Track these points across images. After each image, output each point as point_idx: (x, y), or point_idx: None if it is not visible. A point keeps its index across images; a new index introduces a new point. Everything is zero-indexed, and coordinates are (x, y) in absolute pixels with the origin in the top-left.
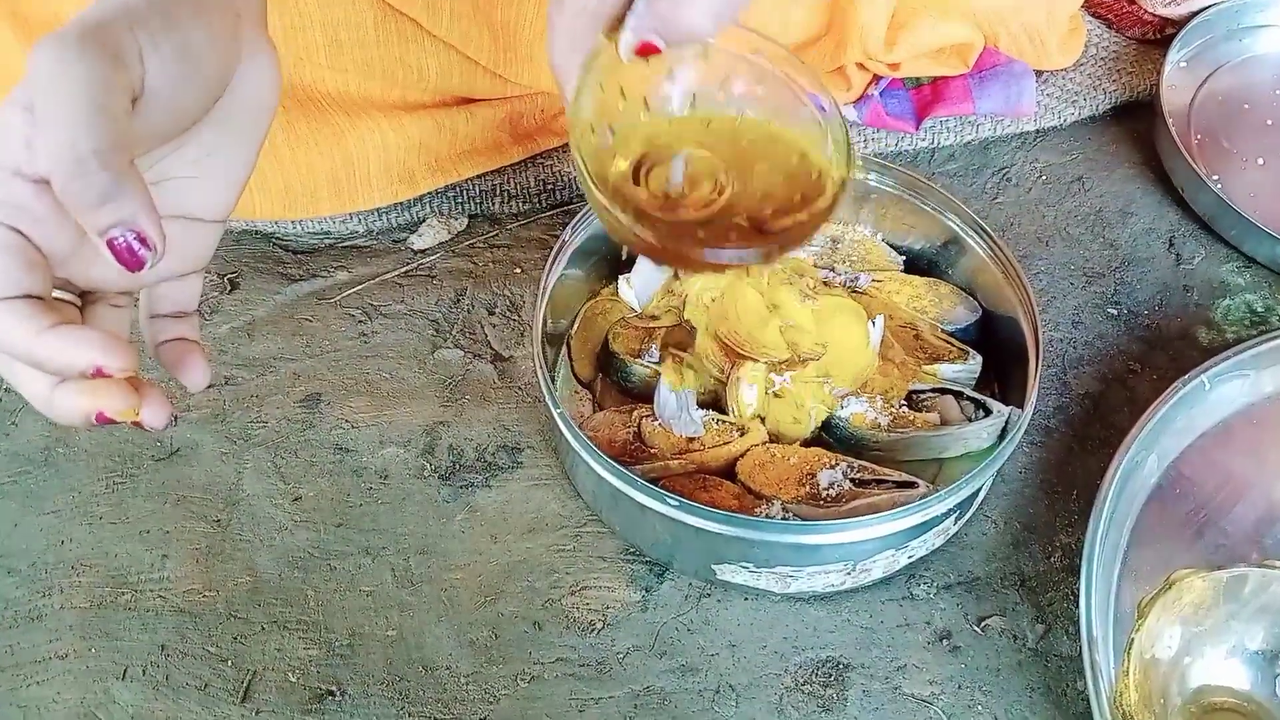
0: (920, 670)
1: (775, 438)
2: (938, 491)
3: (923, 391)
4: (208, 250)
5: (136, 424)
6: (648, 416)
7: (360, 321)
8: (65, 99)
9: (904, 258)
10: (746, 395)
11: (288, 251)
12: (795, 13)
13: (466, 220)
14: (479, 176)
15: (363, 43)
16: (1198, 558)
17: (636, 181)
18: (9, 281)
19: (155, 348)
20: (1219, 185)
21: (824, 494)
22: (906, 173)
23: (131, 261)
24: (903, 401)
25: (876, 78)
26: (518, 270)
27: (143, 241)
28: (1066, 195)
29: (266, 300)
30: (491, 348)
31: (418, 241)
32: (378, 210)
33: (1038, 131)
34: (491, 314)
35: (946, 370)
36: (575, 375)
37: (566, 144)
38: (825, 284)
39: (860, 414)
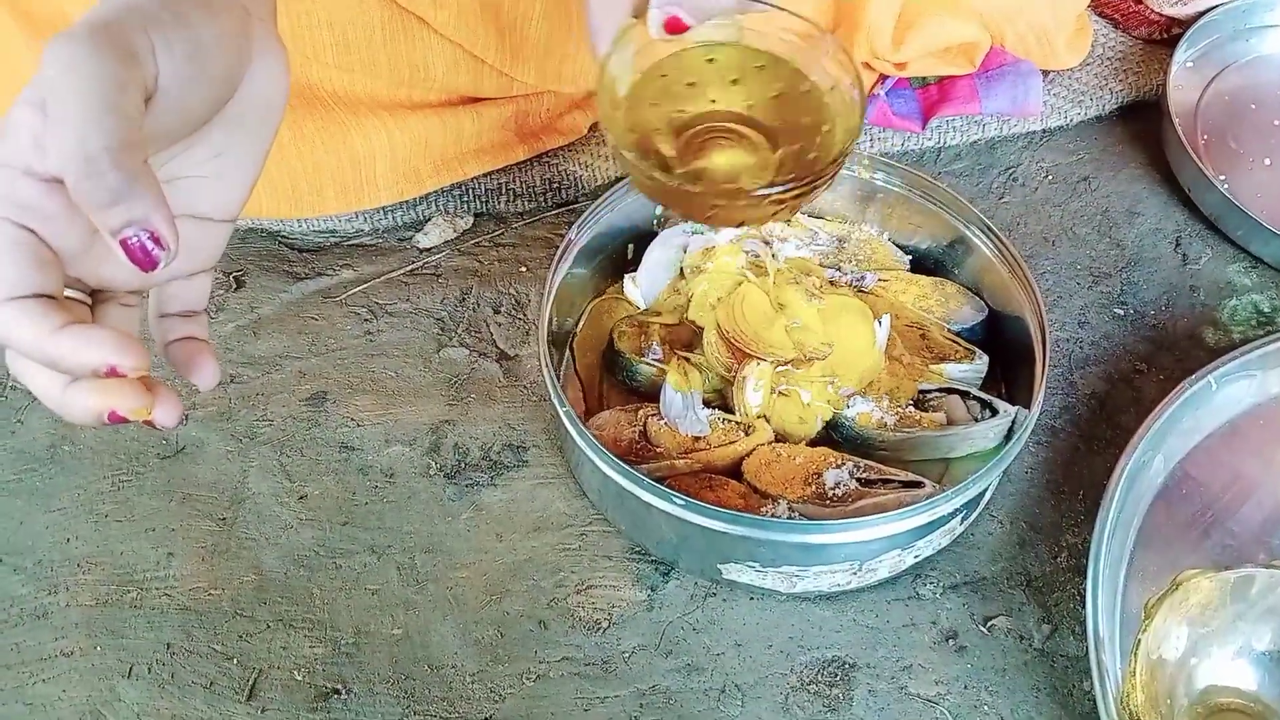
0: (926, 670)
1: (781, 437)
2: (944, 491)
3: (929, 391)
4: (217, 249)
5: (148, 423)
6: (653, 415)
7: (366, 320)
8: (77, 97)
9: (910, 257)
10: (752, 395)
11: (293, 250)
12: (803, 9)
13: (472, 219)
14: (485, 175)
15: (370, 42)
16: (1204, 558)
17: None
18: (21, 280)
19: (164, 347)
20: (1226, 185)
21: (830, 493)
22: (913, 172)
23: (145, 261)
24: (909, 401)
25: (883, 77)
26: (523, 269)
27: (156, 241)
28: (1073, 195)
29: (272, 299)
30: (497, 346)
31: (423, 240)
32: (383, 209)
33: (1044, 131)
34: (497, 313)
35: (953, 370)
36: (580, 374)
37: (572, 143)
38: (831, 283)
39: (866, 414)
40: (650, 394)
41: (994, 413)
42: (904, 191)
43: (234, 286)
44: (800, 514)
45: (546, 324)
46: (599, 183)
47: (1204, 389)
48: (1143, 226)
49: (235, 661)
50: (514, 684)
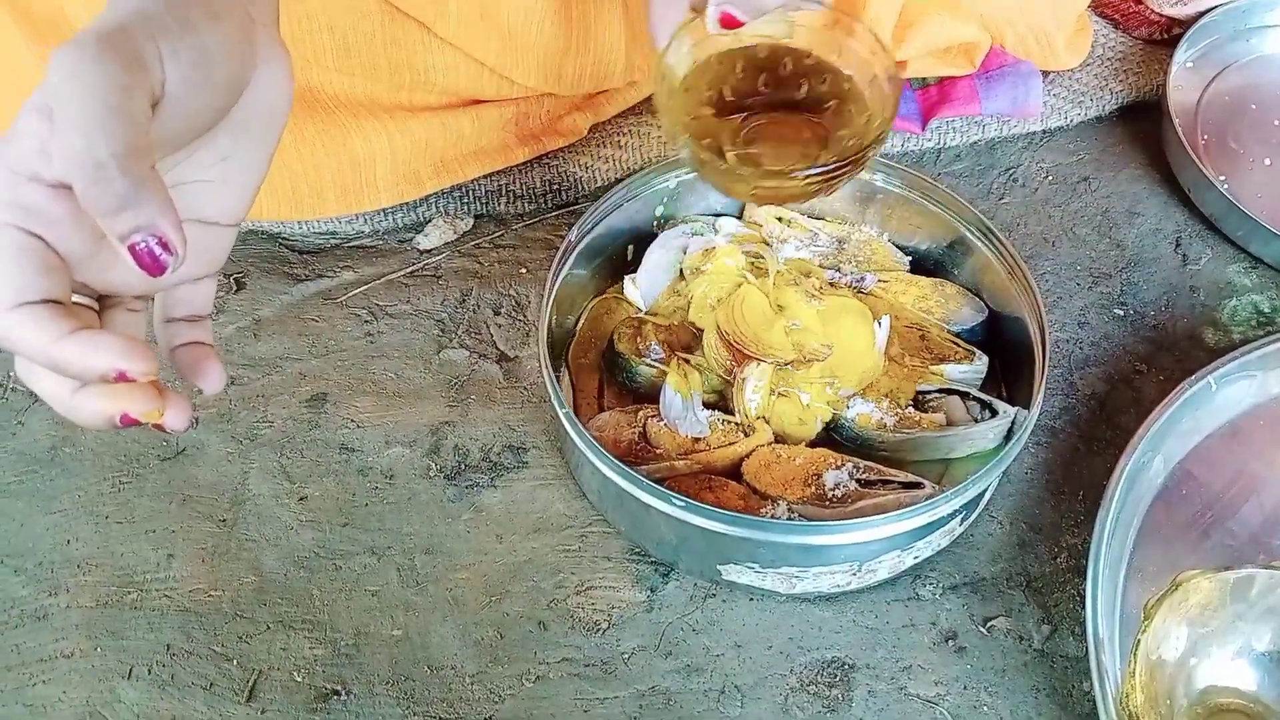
0: (926, 671)
1: (781, 438)
2: (944, 492)
3: (929, 392)
4: (222, 254)
5: (158, 426)
6: (653, 417)
7: (366, 321)
8: (84, 103)
9: (910, 258)
10: (752, 396)
11: (294, 251)
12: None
13: (472, 220)
14: (485, 177)
15: (370, 46)
16: (1204, 559)
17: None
18: (28, 286)
19: (170, 352)
20: (1226, 185)
21: (830, 494)
22: (913, 173)
23: (153, 266)
24: (909, 402)
25: None
26: (523, 270)
27: (164, 246)
28: (1073, 195)
29: (272, 300)
30: (497, 348)
31: (423, 242)
32: (384, 211)
33: (1044, 132)
34: (497, 314)
35: (953, 371)
36: (580, 376)
37: (572, 145)
38: (831, 284)
39: (866, 415)
40: (650, 395)
41: (994, 413)
42: (904, 192)
43: (234, 288)
44: (800, 515)
45: (546, 325)
46: (599, 184)
47: (1204, 389)
48: (1143, 227)
49: (235, 663)
50: (514, 685)
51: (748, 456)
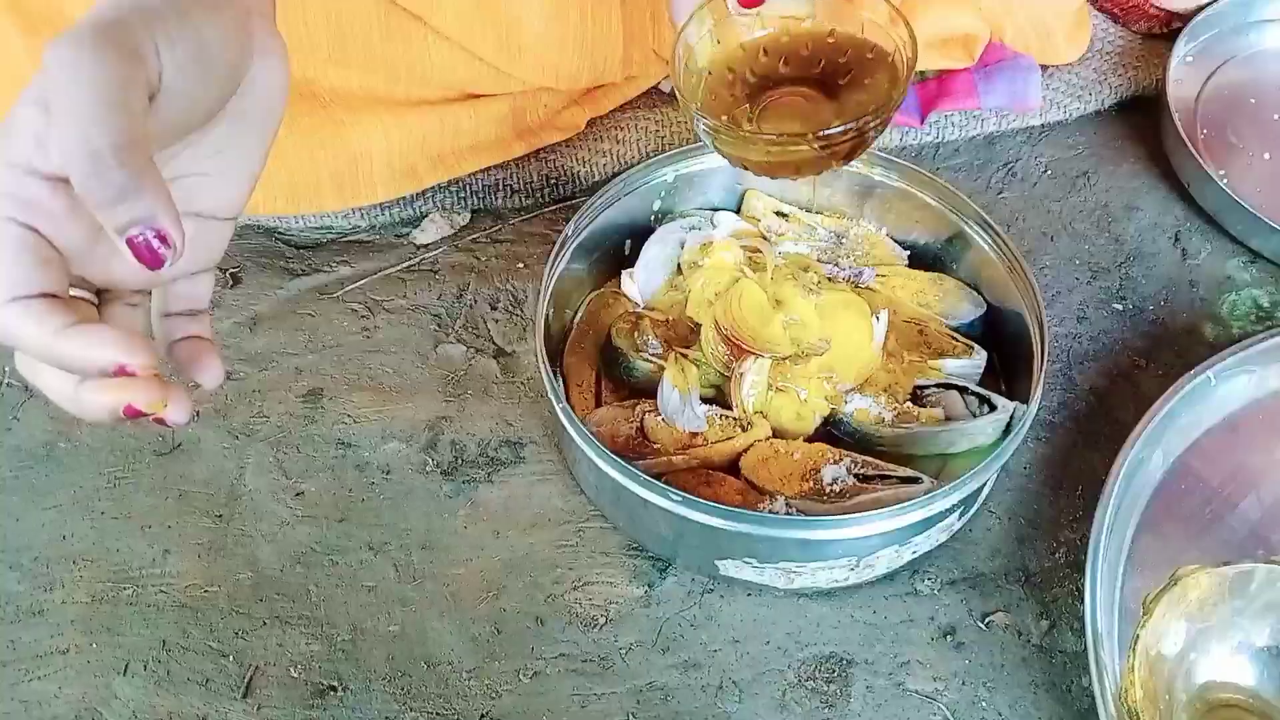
0: (924, 666)
1: (778, 433)
2: (942, 487)
3: (927, 387)
4: (220, 247)
5: (159, 420)
6: (651, 412)
7: (363, 317)
8: (81, 95)
9: (908, 253)
10: (750, 391)
11: (290, 246)
12: None
13: (469, 215)
14: (482, 172)
15: (367, 39)
16: (1203, 553)
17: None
18: (25, 280)
19: (169, 347)
20: (1225, 180)
21: (828, 489)
22: (911, 167)
23: (152, 260)
24: (907, 397)
25: None
26: (520, 265)
27: (162, 239)
28: (1072, 190)
29: (269, 295)
30: (494, 343)
31: (420, 236)
32: (380, 205)
33: (1043, 126)
34: (494, 309)
35: (951, 365)
36: (578, 370)
37: (570, 139)
38: (829, 279)
39: (864, 409)
40: (648, 390)
41: (992, 408)
42: (902, 186)
43: (230, 283)
44: (798, 510)
45: (544, 320)
46: (596, 179)
47: (1203, 384)
48: (1142, 221)
49: (231, 658)
50: (511, 681)
51: (745, 451)
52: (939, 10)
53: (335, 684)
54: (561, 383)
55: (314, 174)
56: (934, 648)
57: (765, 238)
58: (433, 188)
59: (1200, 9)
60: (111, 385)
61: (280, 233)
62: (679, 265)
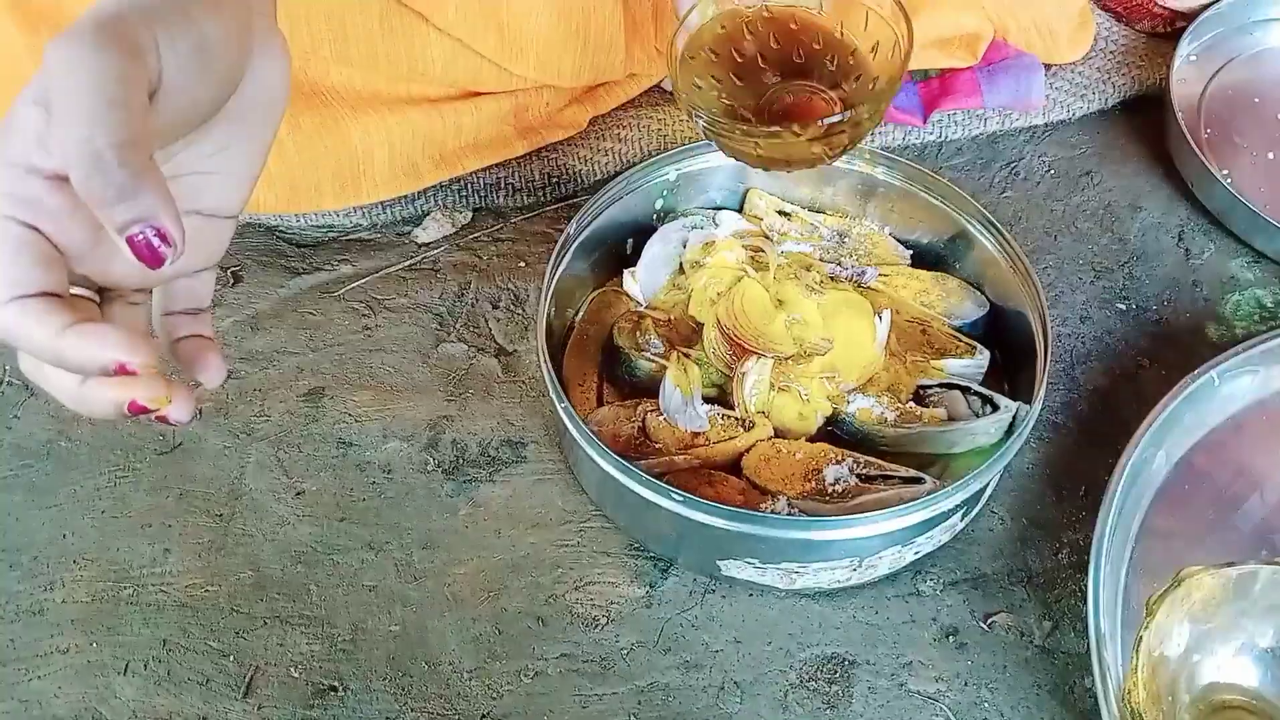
0: (926, 667)
1: (781, 433)
2: (944, 487)
3: (930, 387)
4: (221, 246)
5: (162, 418)
6: (653, 411)
7: (364, 315)
8: (81, 94)
9: (911, 252)
10: (752, 390)
11: (291, 245)
12: None
13: (470, 214)
14: (483, 170)
15: (368, 36)
16: (1207, 554)
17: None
18: (26, 279)
19: (171, 345)
20: (1229, 179)
21: (830, 489)
22: (914, 166)
23: (152, 258)
24: (910, 397)
25: None
26: (522, 264)
27: (163, 238)
28: (1075, 189)
29: (269, 294)
30: (495, 342)
31: (421, 235)
32: (381, 203)
33: (1046, 125)
34: (495, 308)
35: (954, 365)
36: (579, 370)
37: (571, 137)
38: (832, 279)
39: (867, 409)
40: (649, 389)
41: (995, 408)
42: (905, 186)
43: (231, 282)
44: (800, 510)
45: (545, 319)
46: (598, 177)
47: (1206, 384)
48: (1145, 221)
49: (231, 658)
50: (512, 681)
51: (747, 451)
52: (943, 9)
53: (336, 684)
54: (563, 382)
55: (315, 172)
56: (936, 648)
57: (768, 237)
58: (434, 186)
59: (1204, 8)
60: (115, 380)
61: (281, 231)
62: (681, 264)
